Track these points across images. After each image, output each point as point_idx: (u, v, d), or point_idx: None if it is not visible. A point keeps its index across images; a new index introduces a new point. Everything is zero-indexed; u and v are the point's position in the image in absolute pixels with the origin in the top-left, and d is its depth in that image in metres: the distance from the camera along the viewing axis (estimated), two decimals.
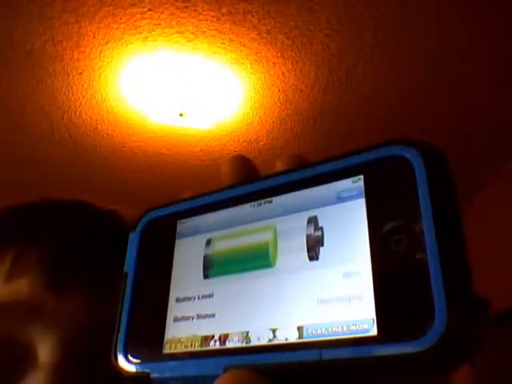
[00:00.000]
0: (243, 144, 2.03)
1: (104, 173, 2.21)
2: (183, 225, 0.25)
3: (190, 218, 0.25)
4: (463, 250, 0.18)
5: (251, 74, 1.65)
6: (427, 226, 0.18)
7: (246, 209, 0.23)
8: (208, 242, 0.24)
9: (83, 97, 1.76)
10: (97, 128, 1.93)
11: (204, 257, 0.23)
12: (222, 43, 1.52)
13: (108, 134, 1.96)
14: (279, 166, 0.24)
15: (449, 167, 0.19)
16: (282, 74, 1.66)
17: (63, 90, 1.73)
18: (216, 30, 1.47)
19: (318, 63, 1.61)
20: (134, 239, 0.26)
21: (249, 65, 1.61)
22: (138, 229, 0.26)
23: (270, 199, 0.23)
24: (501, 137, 1.94)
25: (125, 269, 0.25)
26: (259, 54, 1.57)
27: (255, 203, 0.23)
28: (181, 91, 1.73)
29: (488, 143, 1.98)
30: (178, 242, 0.25)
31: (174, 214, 0.25)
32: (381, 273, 0.19)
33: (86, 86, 1.71)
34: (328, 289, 0.20)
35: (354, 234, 0.20)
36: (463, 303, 0.17)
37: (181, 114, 1.79)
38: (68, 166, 2.15)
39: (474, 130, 1.92)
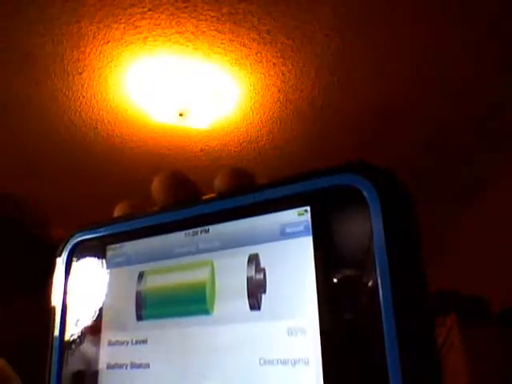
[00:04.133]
0: (243, 144, 2.03)
1: (104, 173, 2.21)
2: (113, 251, 0.22)
3: (120, 244, 0.22)
4: (426, 312, 0.15)
5: (251, 74, 1.65)
6: (383, 283, 0.15)
7: (180, 237, 0.21)
8: (140, 276, 0.21)
9: (83, 97, 1.76)
10: (96, 128, 1.93)
11: (136, 294, 0.21)
12: (221, 43, 1.52)
13: (108, 134, 1.96)
14: (218, 184, 0.20)
15: (410, 201, 0.16)
16: (282, 74, 1.66)
17: (63, 90, 1.73)
18: (216, 30, 1.47)
19: (317, 63, 1.61)
20: (60, 266, 0.23)
21: (249, 65, 1.61)
22: (65, 254, 0.23)
23: (206, 228, 0.20)
24: (501, 138, 1.94)
25: (52, 302, 0.22)
26: (259, 54, 1.57)
27: (190, 231, 0.20)
28: (181, 91, 1.73)
29: (488, 144, 1.98)
30: (108, 272, 0.22)
31: (103, 238, 0.22)
32: (330, 333, 0.16)
33: (85, 86, 1.71)
34: (270, 347, 0.17)
35: (300, 281, 0.17)
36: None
37: (181, 114, 1.79)
38: (67, 166, 2.14)
39: (476, 131, 1.92)
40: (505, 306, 1.77)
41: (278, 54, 1.57)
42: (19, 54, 1.55)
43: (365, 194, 0.16)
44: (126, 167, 2.17)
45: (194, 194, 0.21)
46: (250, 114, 1.85)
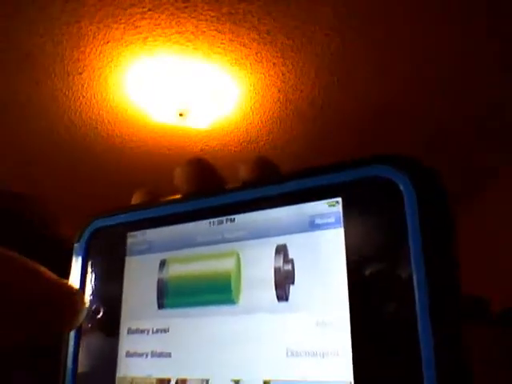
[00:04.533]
0: (243, 144, 2.03)
1: (104, 173, 2.21)
2: (133, 239, 0.22)
3: (142, 231, 0.22)
4: (458, 308, 0.15)
5: (251, 74, 1.65)
6: (418, 277, 0.15)
7: (204, 226, 0.20)
8: (162, 264, 0.21)
9: (83, 97, 1.76)
10: (96, 128, 1.93)
11: (158, 281, 0.21)
12: (221, 43, 1.52)
13: (108, 135, 1.96)
14: (243, 172, 0.20)
15: (446, 194, 0.16)
16: (282, 74, 1.66)
17: (63, 90, 1.73)
18: (216, 30, 1.47)
19: (317, 63, 1.61)
20: (78, 252, 0.22)
21: (249, 65, 1.61)
22: (83, 240, 0.22)
23: (232, 217, 0.20)
24: (501, 138, 1.94)
25: None
26: (259, 54, 1.57)
27: (215, 220, 0.20)
28: (181, 91, 1.73)
29: (488, 144, 1.98)
30: (128, 260, 0.22)
31: (123, 225, 0.22)
32: (361, 327, 0.16)
33: (85, 86, 1.71)
34: (298, 339, 0.17)
35: (330, 274, 0.17)
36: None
37: (181, 114, 1.79)
38: (67, 166, 2.15)
39: (476, 131, 1.92)
40: (505, 306, 1.77)
41: (278, 54, 1.57)
42: (19, 54, 1.55)
43: (401, 186, 0.16)
44: (125, 167, 2.17)
45: (218, 183, 0.21)
46: (250, 114, 1.85)
